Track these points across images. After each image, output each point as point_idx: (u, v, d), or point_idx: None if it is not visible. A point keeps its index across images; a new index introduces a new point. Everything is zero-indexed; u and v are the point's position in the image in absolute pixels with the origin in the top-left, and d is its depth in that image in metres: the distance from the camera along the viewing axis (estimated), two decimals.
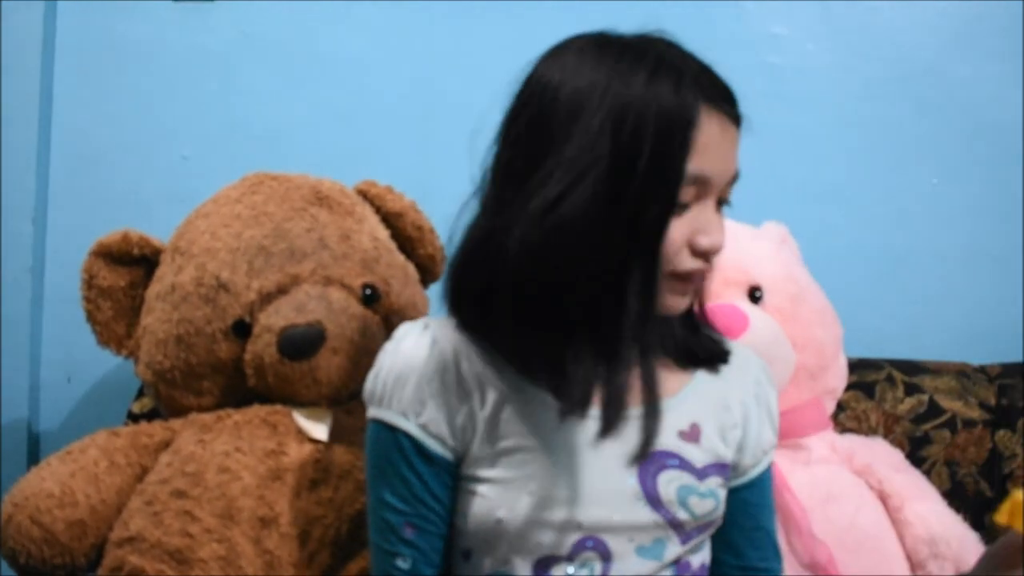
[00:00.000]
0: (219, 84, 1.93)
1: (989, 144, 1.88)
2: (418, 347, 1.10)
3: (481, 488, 1.07)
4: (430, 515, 1.09)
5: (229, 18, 1.93)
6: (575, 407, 1.04)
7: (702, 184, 1.04)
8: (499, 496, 1.06)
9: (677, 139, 1.01)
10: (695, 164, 1.02)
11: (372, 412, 1.11)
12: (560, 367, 1.04)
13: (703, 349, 1.16)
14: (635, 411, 1.08)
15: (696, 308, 1.15)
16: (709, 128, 1.03)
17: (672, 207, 1.02)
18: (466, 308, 1.10)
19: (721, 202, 1.08)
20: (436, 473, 1.09)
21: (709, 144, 1.03)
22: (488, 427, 1.07)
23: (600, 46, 1.06)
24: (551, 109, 1.04)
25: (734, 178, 1.08)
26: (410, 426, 1.08)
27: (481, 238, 1.08)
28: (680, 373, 1.15)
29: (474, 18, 1.89)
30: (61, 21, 1.94)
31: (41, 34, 1.91)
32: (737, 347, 1.20)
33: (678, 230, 1.04)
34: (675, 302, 1.08)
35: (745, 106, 1.89)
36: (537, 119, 1.05)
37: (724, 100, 1.06)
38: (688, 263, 1.05)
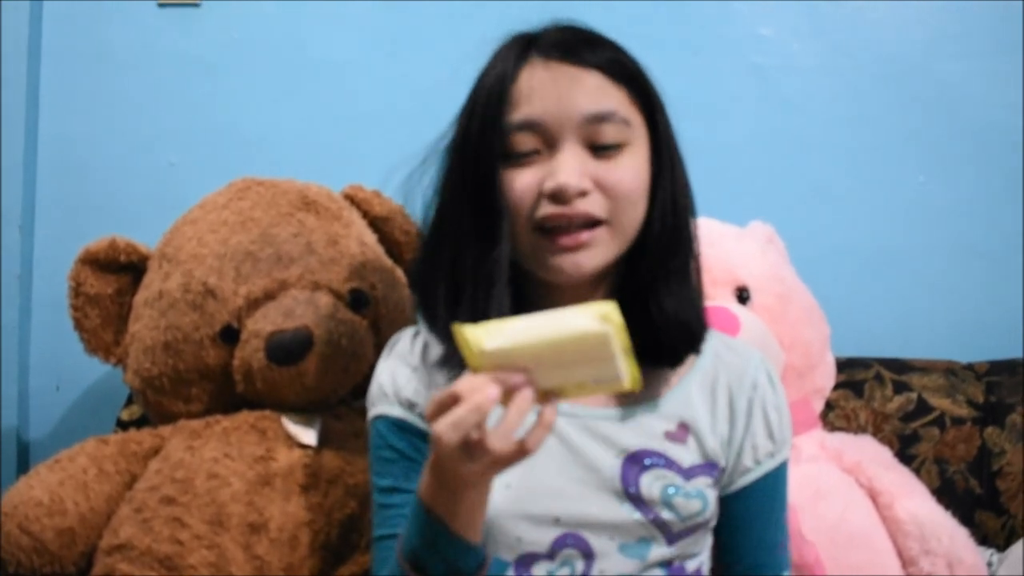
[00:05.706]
0: (206, 89, 1.93)
1: (976, 142, 1.89)
2: (412, 349, 1.14)
3: None
4: None
5: (215, 23, 1.93)
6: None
7: (537, 129, 1.06)
8: None
9: (494, 95, 1.06)
10: (519, 113, 1.06)
11: (373, 411, 1.15)
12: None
13: (668, 341, 1.10)
14: (611, 412, 1.10)
15: (692, 297, 1.12)
16: (531, 76, 1.07)
17: (496, 157, 1.06)
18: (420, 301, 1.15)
19: (600, 147, 1.07)
20: None
21: (532, 90, 1.06)
22: None
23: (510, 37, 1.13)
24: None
25: (596, 118, 1.06)
26: (410, 416, 1.11)
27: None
28: (669, 373, 1.14)
29: (463, 22, 1.89)
30: (47, 26, 1.94)
31: (27, 39, 1.91)
32: (742, 347, 1.19)
33: (524, 180, 1.06)
34: (558, 265, 1.06)
35: (732, 105, 1.90)
36: None
37: (555, 45, 1.08)
38: (541, 208, 1.06)
